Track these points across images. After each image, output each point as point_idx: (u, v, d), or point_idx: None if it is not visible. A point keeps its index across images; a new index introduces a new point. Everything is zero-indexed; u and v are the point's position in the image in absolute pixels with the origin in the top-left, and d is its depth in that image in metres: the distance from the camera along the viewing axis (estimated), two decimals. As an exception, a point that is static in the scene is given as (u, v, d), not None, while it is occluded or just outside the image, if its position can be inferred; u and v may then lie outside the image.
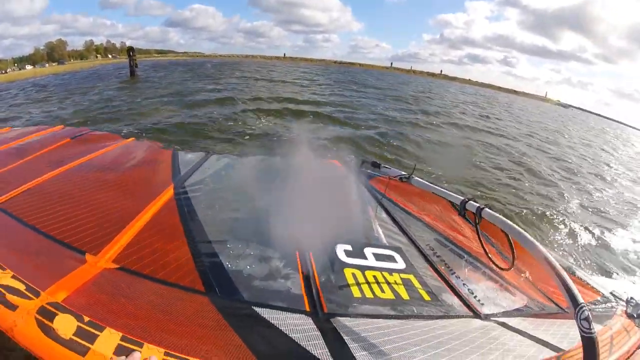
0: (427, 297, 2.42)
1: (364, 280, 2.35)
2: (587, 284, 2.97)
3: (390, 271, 2.49)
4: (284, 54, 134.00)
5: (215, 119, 12.73)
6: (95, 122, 12.18)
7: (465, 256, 2.93)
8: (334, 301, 2.23)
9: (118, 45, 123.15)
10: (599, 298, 2.79)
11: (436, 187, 3.27)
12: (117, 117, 13.06)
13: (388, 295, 2.34)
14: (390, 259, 2.64)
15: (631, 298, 2.55)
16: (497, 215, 2.47)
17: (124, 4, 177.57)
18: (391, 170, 4.19)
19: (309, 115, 14.94)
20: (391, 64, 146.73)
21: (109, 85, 24.10)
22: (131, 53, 29.79)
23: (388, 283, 2.40)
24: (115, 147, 4.71)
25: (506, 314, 2.54)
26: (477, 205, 2.62)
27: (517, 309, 2.59)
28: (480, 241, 2.67)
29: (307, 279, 2.28)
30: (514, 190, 8.78)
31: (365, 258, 2.59)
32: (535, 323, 2.47)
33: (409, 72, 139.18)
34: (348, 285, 2.31)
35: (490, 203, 6.26)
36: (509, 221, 2.36)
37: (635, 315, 2.39)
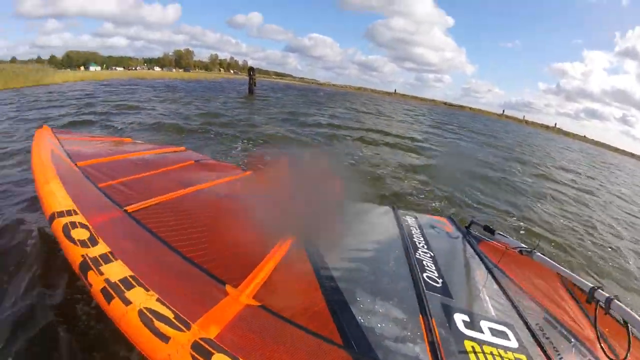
0: None
1: (482, 356, 2.24)
2: None
3: (505, 349, 2.35)
4: (395, 90, 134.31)
5: (319, 142, 13.50)
6: (213, 124, 14.01)
7: (573, 340, 2.70)
8: None
9: (240, 62, 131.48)
10: None
11: (563, 268, 3.26)
12: (232, 124, 14.77)
13: None
14: (504, 335, 2.49)
15: None
16: (627, 309, 2.43)
17: (249, 25, 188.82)
18: (508, 239, 4.07)
19: (407, 153, 14.73)
20: (503, 111, 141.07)
21: (229, 98, 27.02)
22: (251, 72, 32.41)
23: None
24: (238, 177, 4.69)
25: None
26: (607, 295, 2.58)
27: None
28: (597, 329, 2.55)
29: (432, 346, 2.16)
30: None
31: (482, 332, 2.46)
32: None
33: (521, 121, 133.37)
34: (469, 359, 2.23)
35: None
36: (637, 315, 2.36)
37: None
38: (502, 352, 2.32)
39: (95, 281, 1.64)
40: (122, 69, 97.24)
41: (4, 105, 16.07)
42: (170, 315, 1.49)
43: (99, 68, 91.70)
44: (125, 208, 2.77)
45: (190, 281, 2.12)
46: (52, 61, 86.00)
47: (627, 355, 2.24)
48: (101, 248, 1.87)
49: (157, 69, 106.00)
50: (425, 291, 2.62)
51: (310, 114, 22.04)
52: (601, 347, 2.45)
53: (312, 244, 3.02)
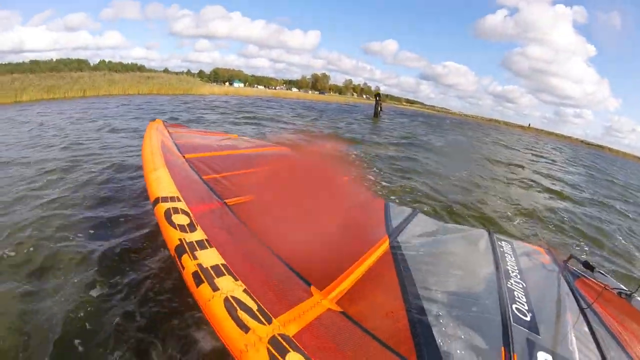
0: None
1: None
2: None
3: None
4: (529, 124, 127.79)
5: (428, 165, 13.48)
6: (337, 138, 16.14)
7: None
8: None
9: (373, 87, 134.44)
10: None
11: None
12: (354, 139, 16.73)
13: None
14: None
15: None
16: None
17: (383, 53, 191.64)
18: (608, 278, 3.79)
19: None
20: None
21: (356, 118, 29.30)
22: (378, 97, 34.49)
23: None
24: (338, 182, 4.64)
25: None
26: None
27: None
28: None
29: None
30: None
31: None
32: None
33: None
34: None
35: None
36: None
37: None
38: None
39: (188, 264, 1.72)
40: (263, 87, 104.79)
41: (175, 105, 20.29)
42: (254, 307, 1.53)
43: (242, 85, 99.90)
44: (226, 201, 2.92)
45: (277, 278, 2.13)
46: (200, 75, 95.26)
47: None
48: (199, 234, 1.98)
49: (294, 89, 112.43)
50: (512, 324, 2.50)
51: (426, 140, 22.66)
52: None
53: (402, 256, 3.04)
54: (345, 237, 3.07)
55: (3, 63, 64.59)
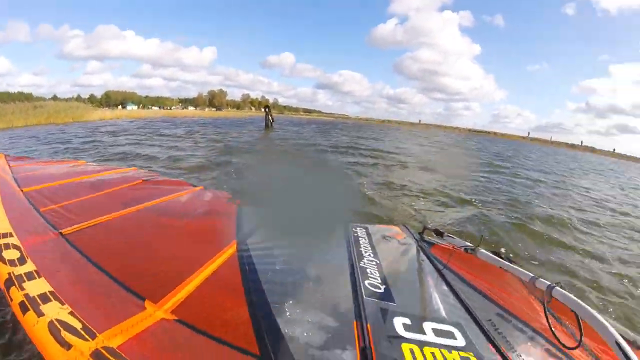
0: None
1: (421, 357, 2.12)
2: None
3: (450, 348, 2.26)
4: (419, 121, 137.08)
5: (312, 157, 16.03)
6: (224, 149, 17.12)
7: (528, 331, 2.70)
8: None
9: (271, 100, 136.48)
10: None
11: (503, 261, 3.29)
12: (242, 149, 17.83)
13: None
14: (450, 335, 2.41)
15: None
16: (569, 295, 2.44)
17: (281, 65, 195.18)
18: (455, 240, 4.11)
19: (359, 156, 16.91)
20: (528, 133, 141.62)
21: (248, 131, 30.52)
22: (267, 109, 36.06)
23: None
24: (185, 194, 4.70)
25: None
26: (548, 283, 2.59)
27: None
28: (547, 319, 2.50)
29: (363, 352, 2.05)
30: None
31: (424, 333, 2.36)
32: None
33: (547, 142, 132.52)
34: None
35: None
36: (579, 301, 2.34)
37: None
38: (445, 352, 2.24)
39: (15, 296, 1.72)
40: (157, 108, 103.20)
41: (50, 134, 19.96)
42: (79, 326, 1.55)
43: (135, 107, 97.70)
44: (61, 230, 2.85)
45: (108, 297, 2.12)
46: (92, 100, 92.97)
47: (581, 339, 2.24)
48: (28, 267, 1.99)
49: (190, 108, 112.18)
50: (365, 297, 2.57)
51: (316, 142, 24.61)
52: (554, 334, 2.44)
53: (248, 257, 3.03)
54: (188, 248, 3.09)
55: None
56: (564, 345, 2.40)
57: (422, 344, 2.24)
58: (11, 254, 2.11)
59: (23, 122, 32.08)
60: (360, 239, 3.85)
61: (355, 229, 4.20)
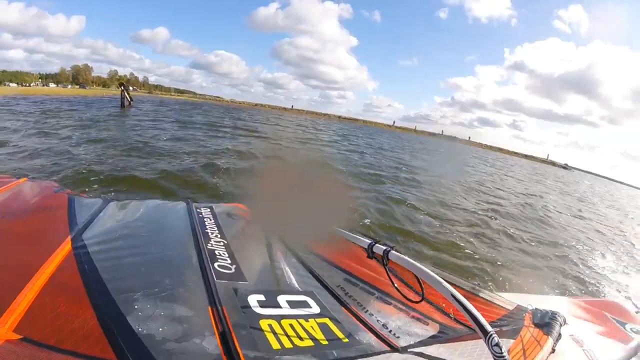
0: (345, 339, 2.32)
1: (281, 331, 2.18)
2: (492, 302, 2.99)
3: (306, 317, 2.33)
4: (292, 106, 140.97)
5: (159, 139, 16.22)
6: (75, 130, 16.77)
7: (377, 292, 2.82)
8: (254, 357, 2.04)
9: (141, 78, 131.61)
10: (505, 314, 2.89)
11: (344, 231, 3.38)
12: (87, 127, 17.79)
13: (307, 342, 2.20)
14: (304, 304, 2.46)
15: (536, 309, 2.75)
16: (403, 256, 2.56)
17: (154, 41, 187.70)
18: None
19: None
20: (394, 122, 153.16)
21: (101, 111, 29.29)
22: (123, 87, 34.87)
23: (305, 330, 2.26)
24: (5, 189, 4.00)
25: (422, 343, 2.54)
26: (384, 248, 2.69)
27: (432, 337, 2.61)
28: (390, 279, 2.63)
29: (223, 336, 2.03)
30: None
31: (280, 306, 2.40)
32: (452, 347, 2.52)
33: (411, 131, 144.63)
34: (266, 338, 2.13)
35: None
36: (413, 261, 2.47)
37: (542, 324, 2.55)
38: (302, 321, 2.30)
39: None
40: (15, 85, 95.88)
41: None
42: None
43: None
44: None
45: None
46: None
47: (422, 294, 2.38)
48: None
49: (52, 85, 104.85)
50: (216, 281, 2.52)
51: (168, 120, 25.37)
52: (399, 292, 2.58)
53: (85, 254, 2.75)
54: (17, 255, 2.65)
55: None
56: (409, 300, 2.58)
57: (279, 318, 2.31)
58: None
59: None
60: (205, 219, 3.79)
61: (200, 209, 4.11)
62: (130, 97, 35.72)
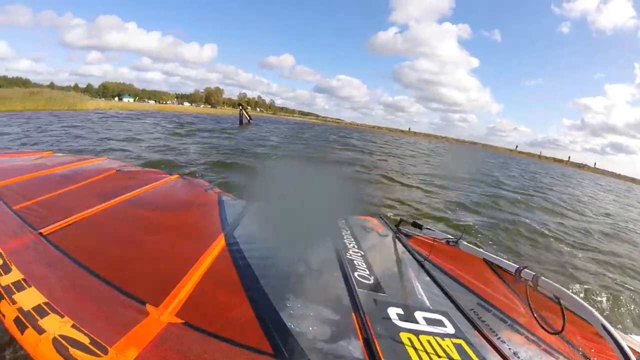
0: None
1: (420, 346, 2.20)
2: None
3: (442, 336, 2.33)
4: (409, 129, 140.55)
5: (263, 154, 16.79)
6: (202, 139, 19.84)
7: (509, 320, 2.74)
8: None
9: (268, 101, 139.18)
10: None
11: (487, 253, 3.38)
12: (211, 136, 20.56)
13: None
14: (440, 323, 2.45)
15: None
16: (553, 283, 2.56)
17: (280, 67, 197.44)
18: (435, 232, 4.16)
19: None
20: (516, 147, 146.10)
21: (223, 126, 33.12)
22: (241, 107, 38.10)
23: (442, 348, 2.26)
24: (163, 183, 4.54)
25: None
26: (533, 273, 2.68)
27: None
28: (530, 306, 2.57)
29: (367, 342, 2.10)
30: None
31: (417, 322, 2.42)
32: None
33: (534, 156, 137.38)
34: (406, 351, 2.16)
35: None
36: (564, 289, 2.49)
37: None
38: (439, 339, 2.30)
39: (7, 311, 1.59)
40: (153, 102, 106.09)
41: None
42: (86, 341, 1.46)
43: (132, 99, 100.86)
44: (41, 230, 2.65)
45: (107, 304, 1.97)
46: (89, 89, 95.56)
47: (563, 325, 2.28)
48: (14, 275, 1.86)
49: (186, 104, 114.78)
50: (357, 289, 2.59)
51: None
52: (538, 323, 2.50)
53: (239, 250, 2.98)
54: (178, 244, 2.93)
55: None
56: (550, 330, 2.45)
57: (417, 333, 2.30)
58: None
59: (21, 106, 35.61)
60: (342, 230, 3.90)
61: (335, 219, 4.22)
62: (249, 116, 38.60)
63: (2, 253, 2.04)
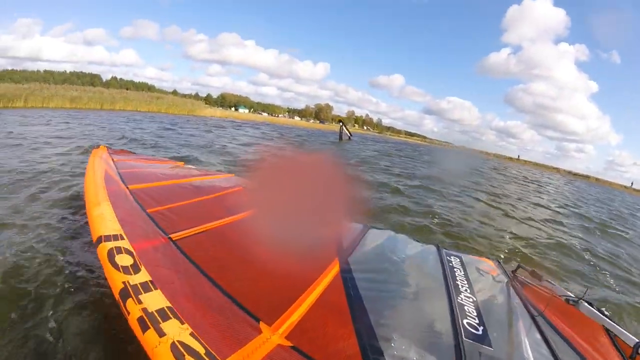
0: None
1: None
2: None
3: None
4: (518, 156, 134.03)
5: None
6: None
7: None
8: None
9: (375, 119, 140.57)
10: None
11: (608, 320, 3.25)
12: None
13: None
14: None
15: None
16: None
17: (390, 87, 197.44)
18: (555, 286, 3.96)
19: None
20: (632, 183, 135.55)
21: (324, 140, 35.69)
22: (341, 123, 40.92)
23: None
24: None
25: None
26: None
27: None
28: None
29: None
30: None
31: None
32: None
33: None
34: None
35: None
36: None
37: None
38: None
39: (133, 309, 1.69)
40: (266, 114, 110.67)
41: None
42: (202, 351, 1.51)
43: (247, 111, 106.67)
44: (170, 235, 2.80)
45: (224, 316, 2.06)
46: (208, 99, 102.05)
47: None
48: (143, 276, 1.95)
49: (297, 118, 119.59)
50: (464, 339, 2.51)
51: (373, 159, 25.86)
52: None
53: (352, 279, 2.97)
54: (295, 265, 2.88)
55: (19, 70, 70.43)
56: None
57: None
58: (124, 260, 2.05)
59: (146, 108, 41.99)
60: (455, 269, 3.76)
61: (450, 257, 4.10)
62: (349, 133, 40.17)
63: (134, 253, 2.14)
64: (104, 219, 2.44)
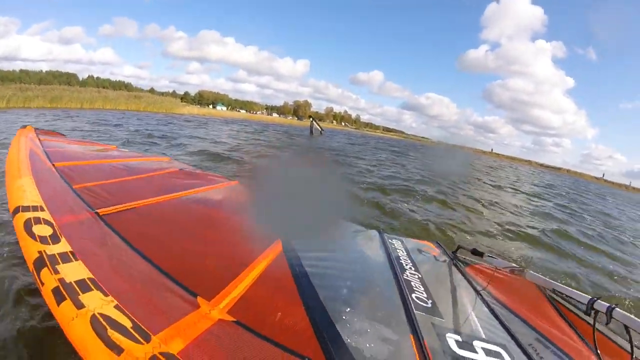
0: None
1: None
2: None
3: None
4: (491, 149, 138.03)
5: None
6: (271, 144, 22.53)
7: (567, 358, 2.66)
8: None
9: (353, 116, 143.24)
10: None
11: (557, 283, 3.32)
12: (274, 145, 22.66)
13: None
14: (499, 355, 2.38)
15: None
16: (630, 315, 2.50)
17: (370, 83, 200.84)
18: (497, 260, 4.09)
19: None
20: (602, 175, 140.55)
21: (296, 135, 37.44)
22: (312, 119, 43.20)
23: None
24: (221, 187, 4.53)
25: None
26: (607, 305, 2.63)
27: None
28: (595, 342, 2.57)
29: None
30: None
31: (476, 352, 2.34)
32: None
33: (621, 187, 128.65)
34: None
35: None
36: None
37: None
38: None
39: (47, 279, 1.53)
40: (244, 111, 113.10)
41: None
42: (128, 325, 1.40)
43: (225, 108, 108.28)
44: (98, 210, 2.65)
45: (157, 290, 1.94)
46: (185, 97, 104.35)
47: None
48: (62, 246, 1.80)
49: (275, 115, 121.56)
50: (415, 311, 2.56)
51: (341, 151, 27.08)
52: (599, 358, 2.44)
53: (296, 258, 2.93)
54: (235, 244, 2.92)
55: (-5, 70, 69.58)
56: None
57: None
58: (42, 230, 1.89)
59: (125, 106, 43.69)
60: (398, 251, 3.86)
61: (391, 240, 4.22)
62: (320, 127, 42.01)
63: (54, 224, 1.98)
64: (23, 190, 2.32)
